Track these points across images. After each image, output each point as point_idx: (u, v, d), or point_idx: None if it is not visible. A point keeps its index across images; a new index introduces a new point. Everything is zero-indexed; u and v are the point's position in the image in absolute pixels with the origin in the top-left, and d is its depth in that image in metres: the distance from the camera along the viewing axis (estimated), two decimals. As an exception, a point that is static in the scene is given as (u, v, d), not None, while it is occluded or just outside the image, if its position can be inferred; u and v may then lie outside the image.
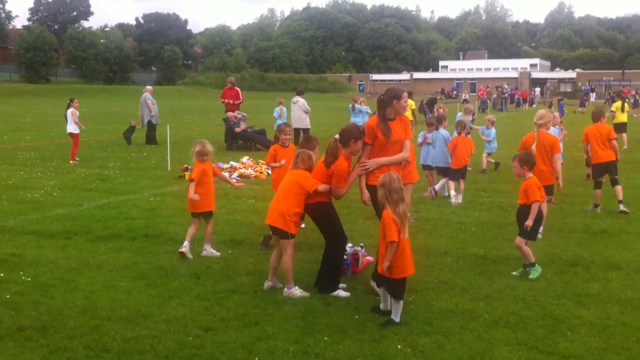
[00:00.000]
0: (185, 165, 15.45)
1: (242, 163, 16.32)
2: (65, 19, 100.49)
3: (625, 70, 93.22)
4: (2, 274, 7.27)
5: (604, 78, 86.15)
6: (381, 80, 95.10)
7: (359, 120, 19.78)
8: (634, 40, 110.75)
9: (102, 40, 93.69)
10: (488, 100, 53.84)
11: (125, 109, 39.78)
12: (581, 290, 6.83)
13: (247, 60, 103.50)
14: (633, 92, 60.57)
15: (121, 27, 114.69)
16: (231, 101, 22.36)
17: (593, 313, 6.16)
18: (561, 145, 10.82)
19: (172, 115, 36.67)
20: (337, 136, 6.80)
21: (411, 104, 25.03)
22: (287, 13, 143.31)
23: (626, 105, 23.96)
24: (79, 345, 5.39)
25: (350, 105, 22.04)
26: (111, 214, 10.66)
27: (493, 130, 16.26)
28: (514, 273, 7.44)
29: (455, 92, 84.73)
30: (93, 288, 6.85)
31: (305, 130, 21.31)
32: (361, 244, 7.95)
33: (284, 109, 21.71)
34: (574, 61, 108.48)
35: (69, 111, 18.06)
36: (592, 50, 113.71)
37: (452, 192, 11.99)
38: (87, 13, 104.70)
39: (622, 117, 22.63)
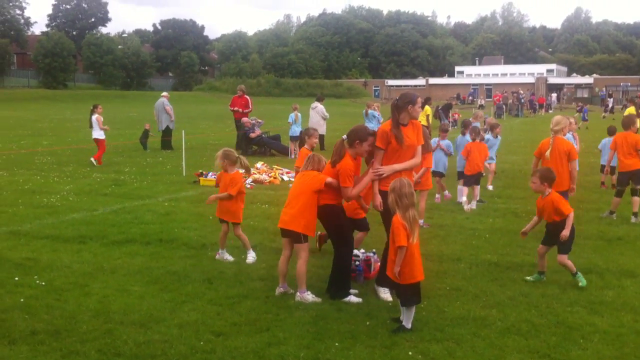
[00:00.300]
0: (200, 171, 15.55)
1: (257, 168, 16.36)
2: (83, 25, 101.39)
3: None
4: (17, 278, 7.34)
5: (622, 83, 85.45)
6: (397, 86, 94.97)
7: (371, 125, 19.79)
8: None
9: (119, 46, 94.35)
10: (504, 106, 53.55)
11: (142, 115, 40.02)
12: (595, 298, 6.78)
13: (263, 66, 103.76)
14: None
15: (139, 33, 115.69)
16: (240, 109, 22.50)
17: (606, 321, 6.11)
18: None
19: (188, 121, 36.87)
20: (344, 137, 6.85)
21: (427, 110, 25.10)
22: (303, 19, 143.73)
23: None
24: (91, 349, 5.43)
25: (364, 111, 22.07)
26: (126, 219, 10.73)
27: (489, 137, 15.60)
28: (528, 278, 7.41)
29: (471, 98, 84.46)
30: (106, 292, 6.90)
31: (321, 137, 21.34)
32: (373, 250, 7.94)
33: (299, 114, 21.77)
34: (591, 67, 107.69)
35: (94, 117, 18.44)
36: (610, 55, 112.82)
37: (464, 199, 11.94)
38: (105, 19, 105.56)
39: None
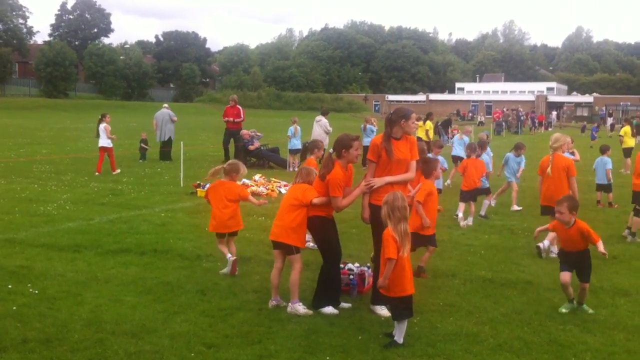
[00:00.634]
0: (198, 182, 15.54)
1: (254, 181, 16.37)
2: (85, 35, 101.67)
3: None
4: (10, 286, 7.33)
5: (621, 103, 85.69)
6: (397, 101, 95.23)
7: (369, 140, 19.80)
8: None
9: (121, 57, 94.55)
10: (504, 123, 53.65)
11: (141, 125, 40.03)
12: (588, 316, 6.78)
13: (264, 79, 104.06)
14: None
15: (141, 44, 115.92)
16: (232, 119, 22.53)
17: (599, 339, 6.11)
18: None
19: (188, 132, 36.88)
20: (331, 150, 6.95)
21: (428, 125, 25.16)
22: (305, 33, 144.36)
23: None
24: (82, 358, 5.43)
25: (362, 125, 22.11)
26: (121, 229, 10.73)
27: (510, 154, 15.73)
28: (562, 310, 6.94)
29: (471, 114, 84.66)
30: (99, 302, 6.89)
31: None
32: (368, 264, 7.94)
33: (298, 127, 21.81)
34: (591, 85, 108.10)
35: (102, 126, 18.65)
36: (610, 75, 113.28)
37: (460, 214, 11.96)
38: (107, 30, 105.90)
39: (630, 142, 23.23)
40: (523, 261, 9.21)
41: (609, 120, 64.25)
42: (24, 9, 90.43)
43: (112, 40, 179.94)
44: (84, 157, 22.59)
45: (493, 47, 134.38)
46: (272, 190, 15.49)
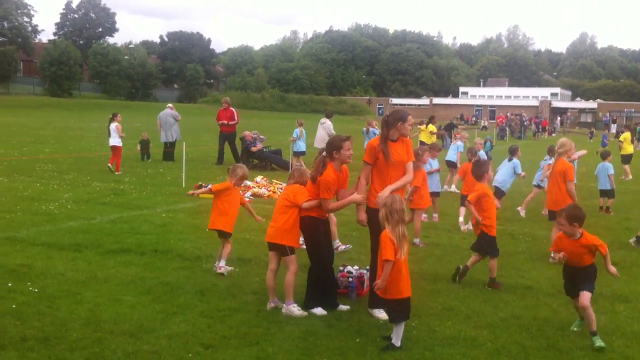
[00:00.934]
0: (200, 183, 15.57)
1: (256, 182, 16.40)
2: (90, 35, 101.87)
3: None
4: (10, 284, 7.35)
5: (625, 109, 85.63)
6: (400, 105, 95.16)
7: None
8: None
9: (126, 57, 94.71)
10: (507, 128, 53.60)
11: (145, 125, 40.03)
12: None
13: (268, 80, 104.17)
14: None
15: (145, 44, 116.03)
16: (226, 122, 22.45)
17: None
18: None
19: (191, 133, 36.92)
20: (323, 152, 6.99)
21: (431, 127, 25.22)
22: (309, 35, 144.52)
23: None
24: (80, 357, 5.44)
25: (364, 129, 22.14)
26: (122, 229, 10.74)
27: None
28: (574, 329, 6.55)
29: (474, 119, 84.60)
30: (98, 301, 6.90)
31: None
32: (367, 267, 7.94)
33: (304, 130, 21.82)
34: (595, 91, 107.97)
35: (113, 125, 18.90)
36: (614, 81, 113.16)
37: (461, 219, 11.94)
38: (112, 29, 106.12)
39: (630, 149, 23.28)
40: (523, 266, 9.21)
41: (613, 127, 64.22)
42: (28, 7, 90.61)
43: (117, 40, 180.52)
44: (86, 157, 22.65)
45: (497, 51, 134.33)
46: (274, 192, 15.50)
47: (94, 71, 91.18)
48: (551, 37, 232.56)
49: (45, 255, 8.82)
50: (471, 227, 11.80)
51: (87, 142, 29.79)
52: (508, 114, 66.55)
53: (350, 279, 7.57)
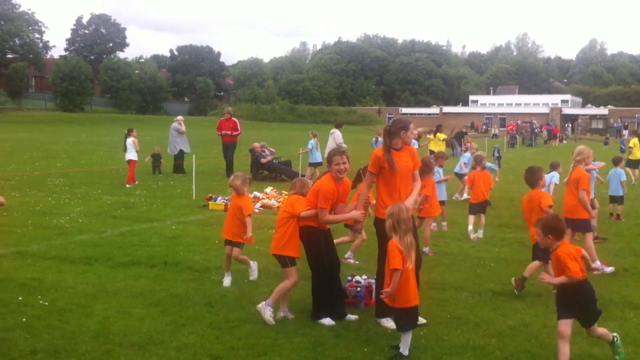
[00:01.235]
0: (210, 195, 15.62)
1: (266, 194, 16.43)
2: (101, 50, 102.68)
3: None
4: (20, 298, 7.41)
5: (636, 115, 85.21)
6: (410, 114, 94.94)
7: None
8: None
9: (136, 71, 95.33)
10: (517, 136, 53.44)
11: (156, 139, 40.23)
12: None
13: (277, 92, 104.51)
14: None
15: (156, 58, 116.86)
16: (229, 132, 22.52)
17: (606, 353, 6.06)
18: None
19: (201, 145, 37.04)
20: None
21: (440, 136, 25.22)
22: (318, 47, 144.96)
23: None
24: (89, 369, 5.47)
25: (373, 139, 22.15)
26: (132, 241, 10.80)
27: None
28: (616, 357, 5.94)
29: (485, 127, 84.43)
30: (108, 314, 6.95)
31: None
32: (375, 277, 7.93)
33: (318, 142, 21.85)
34: (606, 98, 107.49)
35: (130, 140, 19.34)
36: (625, 87, 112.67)
37: (470, 227, 11.91)
38: (123, 44, 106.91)
39: (639, 154, 23.10)
40: (534, 274, 9.15)
41: (625, 133, 63.87)
42: (39, 24, 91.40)
43: (127, 54, 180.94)
44: (98, 171, 22.79)
45: (507, 59, 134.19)
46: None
47: (105, 86, 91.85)
48: (561, 44, 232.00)
49: (55, 268, 8.88)
50: (481, 235, 11.85)
51: (98, 156, 29.97)
52: (519, 122, 66.38)
53: (359, 289, 7.58)
